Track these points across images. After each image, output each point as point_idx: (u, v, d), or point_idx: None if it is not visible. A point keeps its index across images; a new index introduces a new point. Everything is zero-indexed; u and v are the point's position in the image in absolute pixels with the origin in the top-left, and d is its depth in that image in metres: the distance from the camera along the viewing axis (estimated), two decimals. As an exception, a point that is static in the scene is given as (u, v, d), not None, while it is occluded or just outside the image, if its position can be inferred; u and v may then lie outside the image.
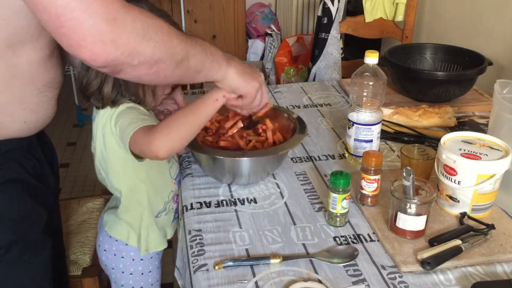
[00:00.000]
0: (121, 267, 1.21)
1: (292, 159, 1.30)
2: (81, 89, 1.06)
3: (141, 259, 1.21)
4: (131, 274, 1.22)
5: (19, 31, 0.87)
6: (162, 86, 1.11)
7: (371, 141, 1.20)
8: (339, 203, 1.01)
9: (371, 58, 1.17)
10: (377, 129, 1.20)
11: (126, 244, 1.19)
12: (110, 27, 0.72)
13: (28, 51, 0.91)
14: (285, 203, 1.12)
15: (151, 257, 1.22)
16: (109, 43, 0.72)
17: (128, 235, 1.18)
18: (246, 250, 0.98)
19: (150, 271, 1.23)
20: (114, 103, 1.04)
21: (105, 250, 1.22)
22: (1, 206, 0.98)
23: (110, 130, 1.05)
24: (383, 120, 1.28)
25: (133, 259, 1.20)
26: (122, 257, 1.20)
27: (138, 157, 1.06)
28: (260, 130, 1.22)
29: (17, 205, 1.00)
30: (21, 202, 1.01)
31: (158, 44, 0.80)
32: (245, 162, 1.13)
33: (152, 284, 1.26)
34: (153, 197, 1.16)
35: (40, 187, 1.06)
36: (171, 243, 1.28)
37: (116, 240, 1.19)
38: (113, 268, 1.23)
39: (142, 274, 1.22)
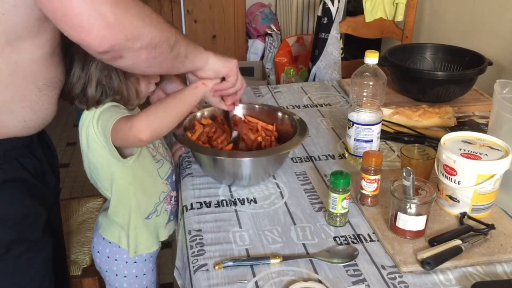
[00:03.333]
0: (114, 269, 1.20)
1: (292, 159, 1.30)
2: (63, 94, 1.05)
3: (135, 262, 1.20)
4: (125, 277, 1.21)
5: (17, 27, 0.87)
6: (146, 83, 1.12)
7: (371, 141, 1.20)
8: (339, 203, 1.01)
9: (371, 58, 1.17)
10: (377, 129, 1.20)
11: (119, 247, 1.18)
12: (115, 14, 0.77)
13: (28, 48, 0.91)
14: (285, 203, 1.12)
15: (145, 260, 1.21)
16: (114, 28, 0.78)
17: (119, 237, 1.17)
18: (246, 250, 0.98)
19: (144, 274, 1.22)
20: (98, 103, 1.05)
21: (98, 252, 1.21)
22: (1, 206, 0.98)
23: (94, 131, 1.05)
24: (383, 120, 1.28)
25: (126, 262, 1.19)
26: (116, 260, 1.19)
27: (123, 156, 1.06)
28: (244, 137, 1.24)
29: (17, 205, 1.00)
30: (21, 202, 1.01)
31: (156, 29, 0.86)
32: (246, 163, 1.12)
33: (147, 287, 1.25)
34: (142, 199, 1.15)
35: (41, 187, 1.06)
36: (171, 243, 1.28)
37: (110, 242, 1.18)
38: (106, 271, 1.22)
39: (136, 276, 1.21)
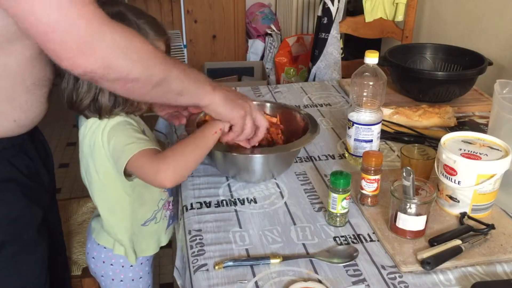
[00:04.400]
0: (110, 274, 1.20)
1: (292, 159, 1.29)
2: (72, 105, 1.03)
3: (131, 266, 1.19)
4: (121, 281, 1.20)
5: (6, 30, 0.86)
6: None
7: (371, 141, 1.20)
8: (339, 203, 1.01)
9: (371, 58, 1.16)
10: (377, 129, 1.20)
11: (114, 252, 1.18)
12: (91, 42, 0.75)
13: (18, 49, 0.90)
14: (285, 203, 1.12)
15: (141, 263, 1.21)
16: (88, 55, 0.76)
17: (114, 244, 1.16)
18: (246, 250, 0.98)
19: (140, 277, 1.22)
20: (111, 112, 1.02)
21: (93, 257, 1.20)
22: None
23: (101, 143, 1.03)
24: (383, 120, 1.28)
25: (123, 266, 1.19)
26: (111, 264, 1.18)
27: (127, 175, 1.05)
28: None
29: (10, 205, 0.99)
30: (14, 202, 1.00)
31: (136, 63, 0.82)
32: (257, 159, 1.13)
33: None
34: (138, 208, 1.13)
35: (34, 186, 1.05)
36: (171, 243, 1.27)
37: (105, 248, 1.17)
38: (102, 276, 1.21)
39: (133, 280, 1.21)
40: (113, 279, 1.20)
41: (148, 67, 0.84)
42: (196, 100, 0.98)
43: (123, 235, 1.14)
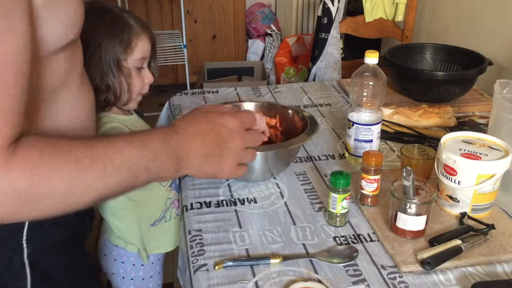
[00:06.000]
0: (121, 272, 1.20)
1: (292, 159, 1.29)
2: None
3: (142, 265, 1.20)
4: (132, 279, 1.21)
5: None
6: (139, 86, 1.08)
7: (371, 141, 1.20)
8: (339, 203, 1.01)
9: (371, 58, 1.16)
10: (377, 129, 1.20)
11: (126, 250, 1.18)
12: None
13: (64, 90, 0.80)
14: (285, 203, 1.12)
15: (152, 263, 1.21)
16: None
17: (126, 244, 1.17)
18: (246, 250, 0.98)
19: (151, 276, 1.22)
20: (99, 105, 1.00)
21: (105, 255, 1.21)
22: (68, 269, 0.93)
23: None
24: (383, 120, 1.28)
25: (134, 265, 1.19)
26: (123, 262, 1.19)
27: None
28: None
29: (80, 263, 0.96)
30: (84, 258, 0.97)
31: (50, 205, 0.62)
32: (256, 157, 1.11)
33: None
34: (144, 210, 1.13)
35: (85, 227, 1.01)
36: (171, 244, 1.27)
37: (116, 246, 1.18)
38: (113, 274, 1.22)
39: (143, 279, 1.21)
40: (123, 277, 1.21)
41: (68, 201, 0.62)
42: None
43: (134, 237, 1.15)
